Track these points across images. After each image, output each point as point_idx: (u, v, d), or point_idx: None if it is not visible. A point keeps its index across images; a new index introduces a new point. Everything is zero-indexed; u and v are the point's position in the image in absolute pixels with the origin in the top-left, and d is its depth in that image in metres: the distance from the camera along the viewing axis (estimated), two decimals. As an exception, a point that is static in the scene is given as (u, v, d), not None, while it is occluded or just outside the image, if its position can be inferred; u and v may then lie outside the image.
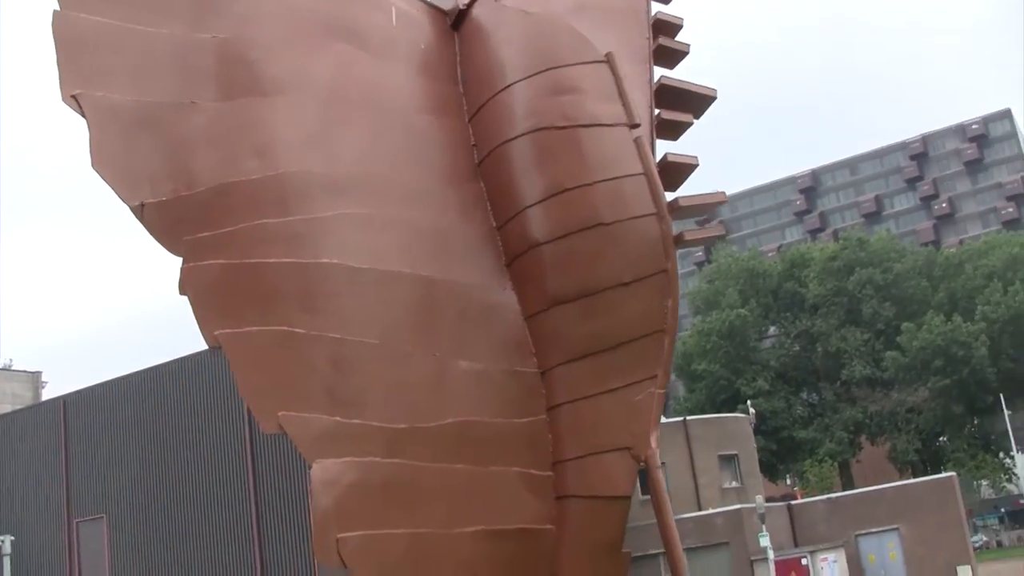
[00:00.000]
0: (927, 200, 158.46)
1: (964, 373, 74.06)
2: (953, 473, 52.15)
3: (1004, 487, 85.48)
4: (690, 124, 8.95)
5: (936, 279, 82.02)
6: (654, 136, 8.14)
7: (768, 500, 46.25)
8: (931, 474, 65.19)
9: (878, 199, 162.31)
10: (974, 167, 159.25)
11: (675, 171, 8.29)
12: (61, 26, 6.74)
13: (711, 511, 44.76)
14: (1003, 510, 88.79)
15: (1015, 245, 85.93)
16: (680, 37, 8.77)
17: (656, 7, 8.90)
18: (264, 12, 7.67)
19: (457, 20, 8.74)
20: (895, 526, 43.65)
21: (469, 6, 8.82)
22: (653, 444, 7.82)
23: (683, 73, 9.01)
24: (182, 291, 6.85)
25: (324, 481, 6.85)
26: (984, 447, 79.99)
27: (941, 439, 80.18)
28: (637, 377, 7.81)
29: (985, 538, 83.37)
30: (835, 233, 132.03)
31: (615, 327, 7.78)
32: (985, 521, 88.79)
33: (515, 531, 7.54)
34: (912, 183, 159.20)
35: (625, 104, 7.96)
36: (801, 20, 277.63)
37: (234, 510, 43.22)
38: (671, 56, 8.77)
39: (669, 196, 7.63)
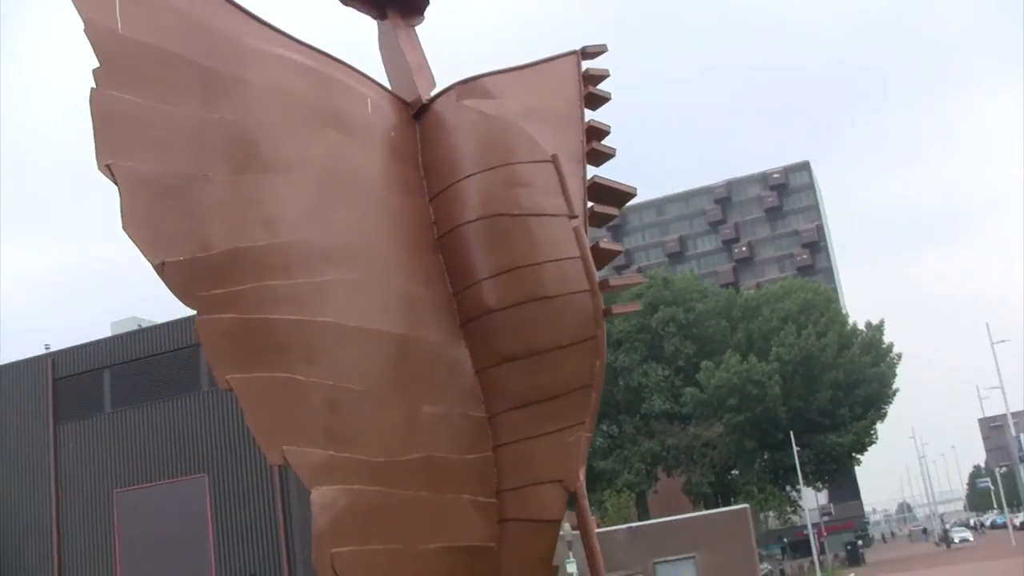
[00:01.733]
0: (728, 243, 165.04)
1: (757, 410, 77.73)
2: (747, 505, 54.98)
3: (789, 519, 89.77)
4: (615, 216, 10.48)
5: (735, 320, 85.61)
6: (587, 225, 9.55)
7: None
8: (722, 505, 68.27)
9: (682, 239, 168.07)
10: (773, 214, 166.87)
11: (605, 255, 9.71)
12: (97, 103, 7.49)
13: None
14: (786, 540, 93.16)
15: (808, 291, 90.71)
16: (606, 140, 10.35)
17: (588, 114, 10.25)
18: (266, 98, 8.61)
19: (419, 112, 9.89)
20: (692, 554, 45.80)
21: (431, 101, 9.97)
22: (581, 477, 9.21)
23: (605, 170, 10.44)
24: (197, 339, 7.84)
25: (321, 505, 7.85)
26: (772, 480, 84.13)
27: (733, 472, 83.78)
28: (569, 423, 9.09)
29: (769, 567, 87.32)
30: (640, 271, 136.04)
31: (552, 382, 9.04)
32: (769, 551, 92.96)
33: (467, 548, 8.74)
34: (715, 226, 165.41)
35: (567, 199, 9.23)
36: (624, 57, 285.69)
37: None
38: (600, 157, 10.16)
39: (600, 275, 9.16)
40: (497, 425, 9.27)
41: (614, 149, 10.30)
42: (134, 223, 7.49)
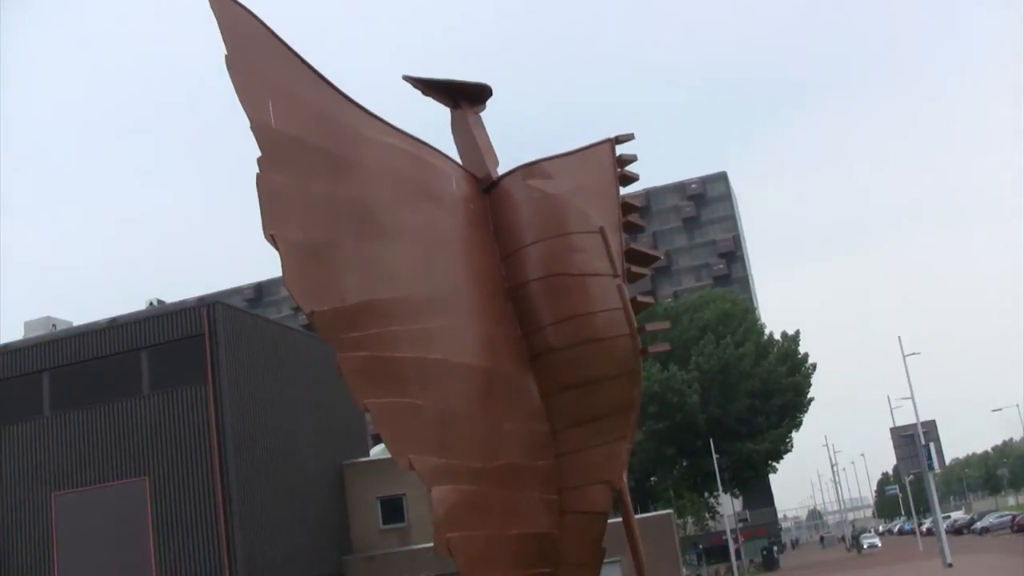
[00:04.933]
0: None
1: (677, 418, 79.85)
2: (671, 511, 56.72)
3: (707, 524, 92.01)
4: (645, 275, 12.36)
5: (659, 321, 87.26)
6: (625, 282, 11.38)
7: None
8: (642, 511, 69.98)
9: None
10: (691, 224, 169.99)
11: (640, 306, 11.52)
12: (262, 184, 8.79)
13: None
14: (701, 547, 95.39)
15: (727, 301, 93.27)
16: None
17: (622, 191, 12.15)
18: (379, 178, 10.18)
19: (489, 186, 11.66)
20: (617, 558, 47.01)
21: (500, 179, 11.71)
22: (623, 479, 11.02)
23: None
24: (339, 372, 9.21)
25: (439, 500, 9.43)
26: (691, 487, 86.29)
27: (652, 478, 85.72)
28: (614, 437, 10.95)
29: (687, 571, 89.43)
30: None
31: (602, 405, 10.93)
32: (686, 556, 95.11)
33: (538, 534, 10.58)
34: (633, 235, 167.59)
35: (612, 262, 11.11)
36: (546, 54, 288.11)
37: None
38: (632, 228, 12.05)
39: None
40: (558, 438, 11.12)
41: (644, 225, 12.32)
42: (292, 281, 8.92)
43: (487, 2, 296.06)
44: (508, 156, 12.34)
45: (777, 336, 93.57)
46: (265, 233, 8.69)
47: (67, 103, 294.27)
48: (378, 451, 55.45)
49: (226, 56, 8.88)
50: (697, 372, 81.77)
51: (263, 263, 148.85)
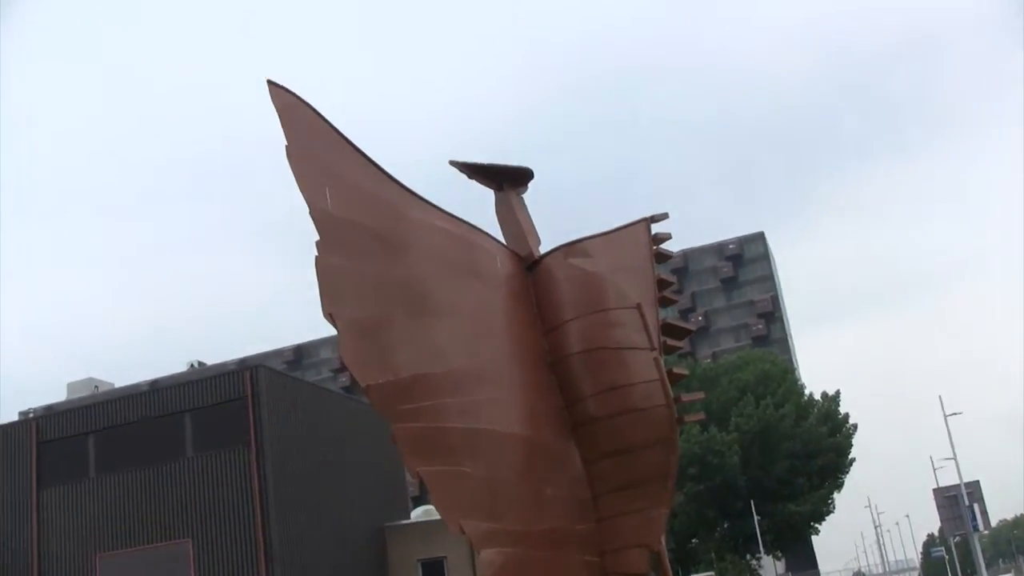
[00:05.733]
0: (684, 313, 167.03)
1: (718, 480, 79.31)
2: (712, 573, 56.36)
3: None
4: (680, 348, 12.86)
5: (694, 390, 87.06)
6: (662, 354, 11.88)
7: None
8: (684, 575, 69.59)
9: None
10: (729, 284, 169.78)
11: (676, 377, 11.97)
12: (320, 265, 9.50)
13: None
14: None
15: (766, 362, 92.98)
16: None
17: (657, 268, 12.72)
18: (428, 258, 10.82)
19: (532, 264, 12.26)
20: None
21: (542, 257, 12.32)
22: (662, 542, 11.59)
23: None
24: (392, 442, 9.77)
25: (488, 563, 10.09)
26: (732, 549, 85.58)
27: (693, 540, 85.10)
28: (652, 502, 11.48)
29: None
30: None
31: (641, 472, 11.45)
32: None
33: None
34: (669, 308, 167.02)
35: (649, 336, 11.64)
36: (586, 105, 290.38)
37: None
38: (666, 302, 12.59)
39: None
40: (599, 503, 11.63)
41: (678, 298, 12.89)
42: (348, 356, 9.59)
43: (519, 66, 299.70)
44: (550, 226, 12.90)
45: (817, 396, 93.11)
46: (324, 312, 9.37)
47: (106, 149, 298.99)
48: (419, 513, 55.58)
49: (286, 146, 9.54)
50: (737, 433, 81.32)
51: (301, 326, 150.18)
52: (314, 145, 10.05)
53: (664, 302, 12.60)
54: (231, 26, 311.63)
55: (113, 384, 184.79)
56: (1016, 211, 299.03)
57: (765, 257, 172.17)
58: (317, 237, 9.56)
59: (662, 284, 12.57)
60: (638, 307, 11.86)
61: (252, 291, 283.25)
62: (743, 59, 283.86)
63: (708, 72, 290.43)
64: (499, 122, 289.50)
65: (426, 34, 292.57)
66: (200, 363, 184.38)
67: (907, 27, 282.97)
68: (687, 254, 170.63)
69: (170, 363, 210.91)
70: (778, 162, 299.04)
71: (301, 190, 9.54)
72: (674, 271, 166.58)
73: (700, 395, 14.81)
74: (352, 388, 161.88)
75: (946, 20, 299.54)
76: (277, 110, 9.68)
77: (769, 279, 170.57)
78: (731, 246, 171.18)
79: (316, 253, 9.52)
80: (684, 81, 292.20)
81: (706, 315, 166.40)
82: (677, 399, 11.80)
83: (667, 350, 12.40)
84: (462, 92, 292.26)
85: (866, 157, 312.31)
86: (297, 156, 9.61)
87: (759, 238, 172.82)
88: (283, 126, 9.63)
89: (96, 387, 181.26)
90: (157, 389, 46.04)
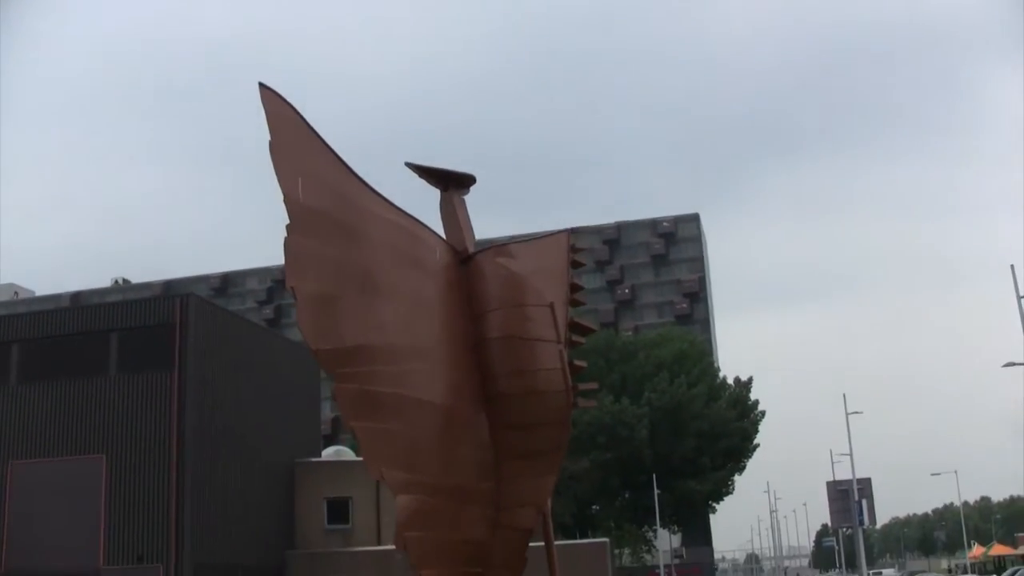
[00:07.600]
0: (612, 284, 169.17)
1: (624, 451, 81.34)
2: (607, 539, 58.23)
3: (643, 557, 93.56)
4: (583, 343, 14.32)
5: (613, 361, 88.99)
6: (567, 348, 13.33)
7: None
8: (581, 538, 71.47)
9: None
10: (659, 261, 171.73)
11: (576, 368, 13.45)
12: (288, 245, 10.86)
13: (391, 547, 48.34)
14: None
15: (684, 341, 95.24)
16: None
17: (572, 272, 14.27)
18: (379, 247, 12.16)
19: (466, 259, 13.60)
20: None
21: (475, 254, 13.68)
22: (548, 504, 13.28)
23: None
24: (334, 398, 11.17)
25: (402, 506, 11.46)
26: (631, 519, 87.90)
27: (594, 507, 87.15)
28: (545, 471, 13.22)
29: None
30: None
31: (538, 444, 12.92)
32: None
33: (476, 540, 12.50)
34: (601, 265, 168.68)
35: (557, 331, 13.08)
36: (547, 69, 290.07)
37: None
38: (576, 303, 14.09)
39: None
40: (501, 467, 13.21)
41: (586, 300, 15.28)
42: (304, 323, 11.03)
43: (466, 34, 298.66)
44: (482, 187, 14.43)
45: (730, 381, 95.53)
46: (287, 284, 10.90)
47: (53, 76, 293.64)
48: (330, 453, 56.71)
49: (270, 142, 10.98)
50: (648, 408, 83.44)
51: (228, 253, 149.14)
52: (293, 143, 11.45)
53: (574, 303, 14.18)
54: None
55: (34, 292, 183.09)
56: (941, 215, 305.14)
57: (697, 239, 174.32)
58: (288, 220, 10.95)
59: (574, 287, 14.18)
60: (550, 306, 13.45)
61: (185, 213, 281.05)
62: (710, 46, 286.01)
63: (675, 56, 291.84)
64: (464, 76, 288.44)
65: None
66: (125, 280, 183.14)
67: (873, 23, 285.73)
68: (621, 226, 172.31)
69: (93, 275, 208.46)
70: (726, 148, 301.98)
71: (278, 180, 10.93)
72: (606, 242, 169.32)
73: (593, 385, 16.26)
74: (276, 322, 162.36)
75: (903, 26, 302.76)
76: (266, 111, 11.05)
77: (699, 260, 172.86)
78: (665, 224, 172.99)
79: (286, 234, 10.92)
80: (649, 63, 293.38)
81: (633, 288, 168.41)
82: (575, 387, 13.38)
83: (572, 344, 13.95)
84: (434, 46, 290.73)
85: (815, 152, 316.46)
86: (278, 152, 11.03)
87: (694, 219, 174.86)
88: (269, 123, 11.03)
89: (16, 293, 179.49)
90: (87, 306, 46.58)
